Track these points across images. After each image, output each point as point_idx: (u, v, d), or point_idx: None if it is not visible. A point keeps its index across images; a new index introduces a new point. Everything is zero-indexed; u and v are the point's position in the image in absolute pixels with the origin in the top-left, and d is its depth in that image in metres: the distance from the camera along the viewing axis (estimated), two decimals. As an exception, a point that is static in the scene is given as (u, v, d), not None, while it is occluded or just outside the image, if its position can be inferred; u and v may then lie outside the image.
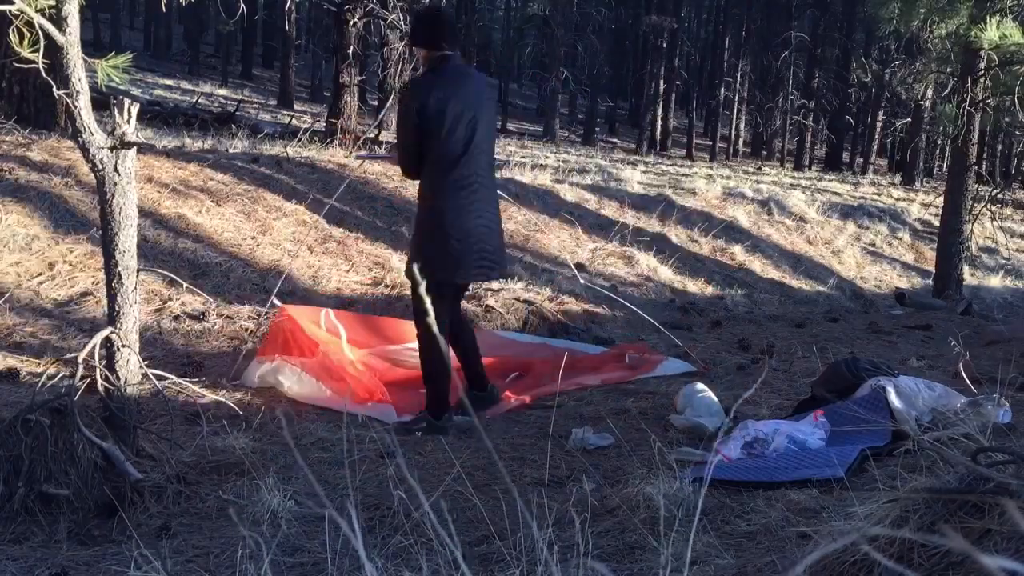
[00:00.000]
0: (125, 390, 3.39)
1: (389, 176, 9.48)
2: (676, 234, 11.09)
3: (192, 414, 4.02)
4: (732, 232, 11.71)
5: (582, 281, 7.02)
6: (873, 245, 13.81)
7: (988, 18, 8.56)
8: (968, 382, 3.73)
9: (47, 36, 3.11)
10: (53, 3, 3.15)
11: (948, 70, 11.61)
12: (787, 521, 2.67)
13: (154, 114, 15.75)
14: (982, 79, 10.06)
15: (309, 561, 2.68)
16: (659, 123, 29.01)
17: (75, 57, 3.15)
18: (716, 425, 4.04)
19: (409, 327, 5.72)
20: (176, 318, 5.89)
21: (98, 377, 3.33)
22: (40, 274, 6.25)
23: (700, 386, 4.35)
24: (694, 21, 42.29)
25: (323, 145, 11.95)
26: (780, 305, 9.28)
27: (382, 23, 14.06)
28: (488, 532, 2.74)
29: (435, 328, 4.14)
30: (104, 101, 4.23)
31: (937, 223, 12.04)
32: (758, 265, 11.06)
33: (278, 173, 8.95)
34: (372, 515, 2.99)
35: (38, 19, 3.06)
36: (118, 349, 3.36)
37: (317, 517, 2.93)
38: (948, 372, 4.91)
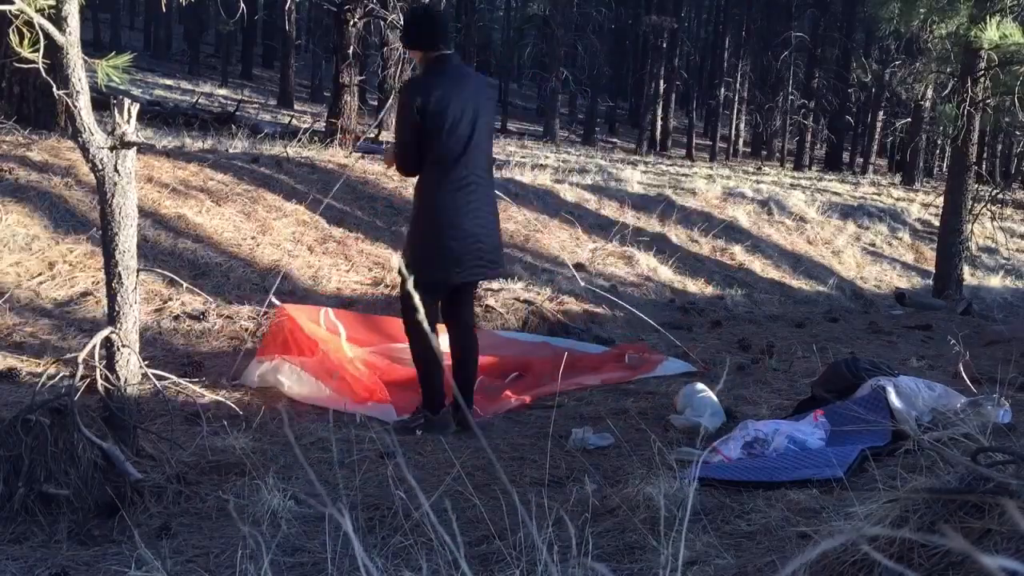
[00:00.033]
0: (125, 390, 3.39)
1: (389, 176, 9.48)
2: (676, 234, 11.09)
3: (192, 414, 4.03)
4: (732, 232, 11.71)
5: (581, 283, 7.02)
6: (873, 245, 13.81)
7: (988, 18, 8.57)
8: (968, 382, 3.73)
9: (47, 36, 3.11)
10: (53, 3, 3.15)
11: (948, 70, 11.61)
12: (787, 521, 2.67)
13: (154, 114, 15.74)
14: (982, 79, 10.06)
15: (309, 561, 2.67)
16: (659, 123, 29.01)
17: (75, 57, 3.15)
18: (716, 425, 4.05)
19: None
20: (176, 318, 5.89)
21: (98, 377, 3.33)
22: (40, 274, 6.25)
23: (700, 386, 4.35)
24: (694, 21, 42.29)
25: (323, 145, 11.95)
26: (780, 305, 9.28)
27: (382, 23, 14.06)
28: (488, 532, 2.74)
29: (424, 326, 4.12)
30: (104, 101, 4.23)
31: (937, 223, 12.04)
32: (758, 265, 11.06)
33: (278, 173, 8.95)
34: (372, 515, 2.99)
35: (38, 19, 3.06)
36: (118, 349, 3.36)
37: (317, 517, 2.93)
38: (948, 372, 4.91)
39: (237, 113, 17.50)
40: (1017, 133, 16.91)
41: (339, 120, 13.10)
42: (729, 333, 7.04)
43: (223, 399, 4.02)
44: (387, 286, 7.14)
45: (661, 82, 28.38)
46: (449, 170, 4.15)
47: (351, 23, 12.93)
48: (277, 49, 30.73)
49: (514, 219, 9.57)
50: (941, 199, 11.97)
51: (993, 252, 15.08)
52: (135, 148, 3.36)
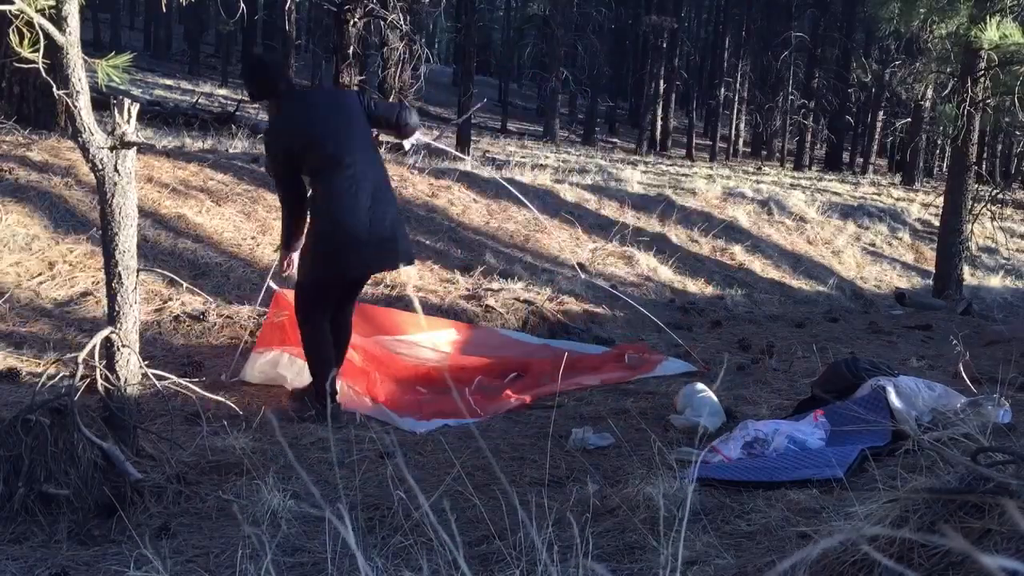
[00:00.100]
0: (125, 390, 3.38)
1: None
2: (676, 234, 11.09)
3: (192, 414, 4.03)
4: (732, 232, 11.71)
5: (583, 276, 7.01)
6: (873, 245, 13.81)
7: (988, 18, 8.57)
8: (968, 382, 3.73)
9: (47, 36, 3.11)
10: (53, 3, 3.15)
11: (948, 70, 11.61)
12: (787, 521, 2.67)
13: (154, 114, 15.74)
14: (982, 79, 10.06)
15: (309, 561, 2.67)
16: (659, 123, 29.01)
17: (75, 57, 3.15)
18: (716, 425, 4.05)
19: (405, 318, 5.73)
20: (176, 318, 5.89)
21: (98, 377, 3.33)
22: (40, 274, 6.25)
23: (700, 386, 4.35)
24: (694, 21, 42.28)
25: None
26: (780, 305, 9.28)
27: (382, 23, 14.06)
28: (488, 532, 2.74)
29: (317, 333, 4.39)
30: (104, 101, 4.23)
31: (937, 223, 12.04)
32: (758, 265, 11.06)
33: (278, 173, 8.94)
34: (372, 515, 2.99)
35: (38, 19, 3.06)
36: (118, 349, 3.36)
37: (317, 517, 2.93)
38: (948, 372, 4.91)
39: (237, 113, 17.49)
40: (1017, 133, 16.90)
41: (339, 120, 13.07)
42: (729, 333, 7.04)
43: (223, 399, 4.02)
44: (387, 286, 7.14)
45: (661, 82, 28.39)
46: (330, 176, 4.28)
47: (351, 23, 12.93)
48: (277, 49, 30.70)
49: (514, 219, 9.57)
50: (941, 199, 11.97)
51: (993, 252, 15.09)
52: (135, 148, 3.36)
